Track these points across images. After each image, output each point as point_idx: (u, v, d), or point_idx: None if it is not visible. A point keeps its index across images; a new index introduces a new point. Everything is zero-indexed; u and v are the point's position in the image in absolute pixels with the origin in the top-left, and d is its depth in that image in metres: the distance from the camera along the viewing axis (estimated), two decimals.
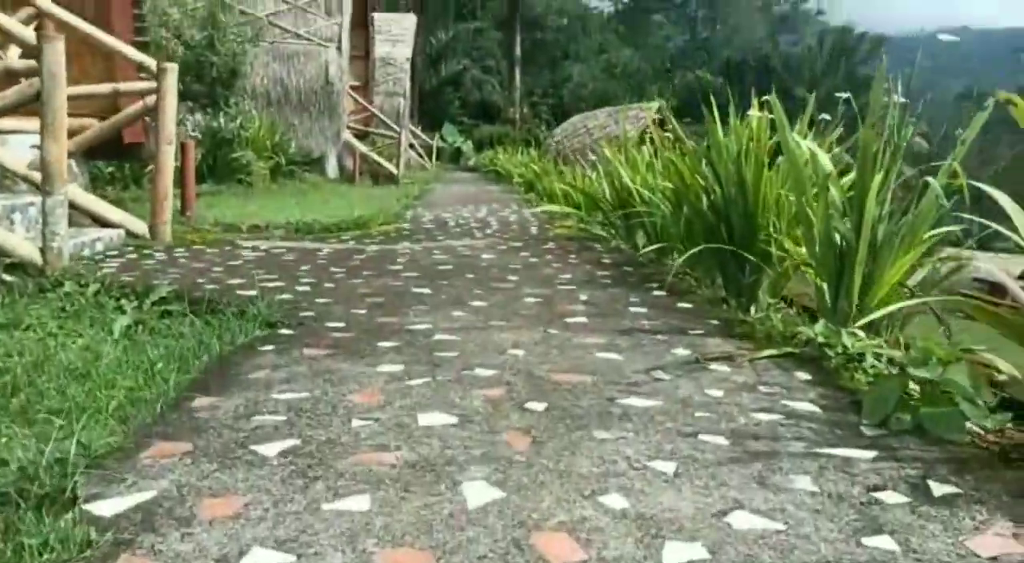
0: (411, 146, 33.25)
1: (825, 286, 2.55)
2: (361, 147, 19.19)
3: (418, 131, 37.17)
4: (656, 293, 3.50)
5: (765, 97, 4.10)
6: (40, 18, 4.73)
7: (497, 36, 50.49)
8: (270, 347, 2.39)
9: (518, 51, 50.34)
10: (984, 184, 2.28)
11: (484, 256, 4.70)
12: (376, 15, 30.78)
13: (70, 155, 4.82)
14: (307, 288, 3.46)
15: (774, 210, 3.29)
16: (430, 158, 34.14)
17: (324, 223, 7.09)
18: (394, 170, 19.38)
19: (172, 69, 4.71)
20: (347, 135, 18.36)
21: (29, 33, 4.01)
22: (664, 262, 4.56)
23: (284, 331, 2.62)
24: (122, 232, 4.78)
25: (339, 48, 16.48)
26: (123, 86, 4.92)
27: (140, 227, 4.86)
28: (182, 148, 6.98)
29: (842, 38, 51.25)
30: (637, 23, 61.97)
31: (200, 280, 3.60)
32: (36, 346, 2.71)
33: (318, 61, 16.37)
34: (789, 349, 2.35)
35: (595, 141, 33.83)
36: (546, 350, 2.38)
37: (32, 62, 3.59)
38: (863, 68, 52.16)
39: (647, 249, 4.26)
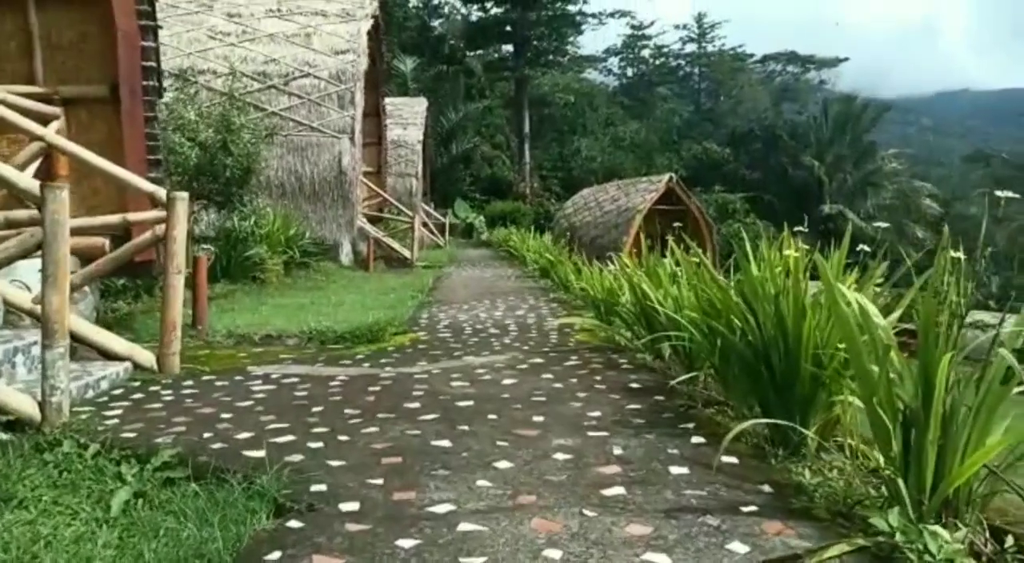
0: (424, 224, 33.59)
1: (892, 466, 2.29)
2: (375, 232, 19.27)
3: (431, 209, 37.61)
4: (695, 439, 3.24)
5: (798, 228, 3.94)
6: (49, 153, 4.70)
7: (506, 113, 51.61)
8: (276, 555, 2.14)
9: (527, 128, 51.35)
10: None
11: (506, 381, 4.47)
12: (388, 100, 31.55)
13: (75, 288, 4.70)
14: (319, 443, 3.23)
15: (820, 352, 3.05)
16: (443, 234, 34.41)
17: (337, 332, 6.92)
18: (408, 254, 19.41)
19: (182, 199, 4.62)
20: (361, 221, 18.46)
21: (30, 182, 3.93)
22: (695, 385, 4.31)
23: (293, 523, 2.37)
24: (129, 366, 4.61)
25: (352, 138, 16.71)
26: (132, 216, 4.83)
27: (147, 358, 4.69)
28: (194, 262, 6.90)
29: (846, 106, 51.96)
30: (642, 96, 63.36)
31: (207, 434, 3.37)
32: (24, 536, 2.49)
33: (331, 152, 16.59)
34: (861, 542, 2.08)
35: (605, 214, 33.98)
36: (585, 548, 2.12)
37: (34, 211, 3.48)
38: (868, 136, 52.79)
39: (678, 379, 4.00)
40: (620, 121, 55.99)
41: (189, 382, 4.53)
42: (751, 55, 65.35)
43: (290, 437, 3.31)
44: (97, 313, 6.43)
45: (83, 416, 3.71)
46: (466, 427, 3.42)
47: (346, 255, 17.50)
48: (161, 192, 4.72)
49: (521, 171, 49.82)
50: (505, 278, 13.98)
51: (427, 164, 37.89)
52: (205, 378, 4.67)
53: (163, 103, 13.20)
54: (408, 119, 33.41)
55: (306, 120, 16.61)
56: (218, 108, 11.94)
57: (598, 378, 4.56)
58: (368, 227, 19.04)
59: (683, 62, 65.41)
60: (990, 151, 60.81)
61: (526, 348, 5.78)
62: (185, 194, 4.68)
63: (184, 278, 4.70)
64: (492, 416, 3.62)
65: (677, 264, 5.22)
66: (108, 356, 4.64)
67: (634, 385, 4.35)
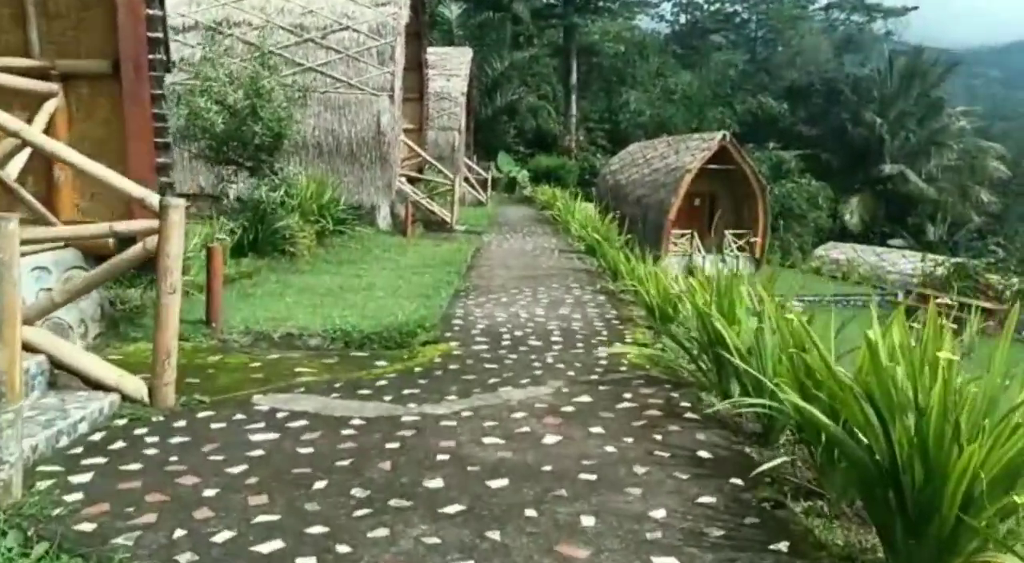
0: (466, 179, 32.77)
1: None
2: (414, 194, 18.57)
3: (473, 163, 36.70)
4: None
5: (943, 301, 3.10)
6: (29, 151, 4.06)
7: (553, 63, 49.89)
8: None
9: (574, 78, 49.62)
10: None
11: (548, 439, 3.76)
12: (431, 50, 30.45)
13: (55, 308, 4.11)
14: (311, 560, 2.58)
15: (977, 488, 2.27)
16: (485, 190, 33.56)
17: (363, 332, 6.31)
18: (447, 217, 18.70)
19: (176, 207, 3.95)
20: (400, 182, 17.76)
21: None
22: (776, 446, 3.57)
23: None
24: (116, 398, 4.03)
25: (391, 97, 15.90)
26: (120, 225, 4.19)
27: (138, 389, 4.09)
28: (209, 254, 6.30)
29: (913, 60, 48.96)
30: (695, 45, 60.64)
31: (178, 533, 2.74)
32: None
33: (370, 110, 15.81)
34: None
35: (653, 172, 32.69)
36: None
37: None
38: (936, 91, 49.81)
39: (762, 467, 3.23)
40: (671, 72, 53.74)
41: (182, 422, 3.93)
42: (813, 2, 61.82)
43: (278, 543, 2.67)
44: (102, 309, 5.88)
45: (44, 484, 3.12)
46: (497, 536, 2.73)
47: (383, 218, 16.87)
48: (153, 198, 4.05)
49: (567, 124, 48.34)
50: (548, 253, 13.19)
51: (470, 116, 36.86)
52: (201, 415, 4.07)
53: (189, 63, 12.55)
54: (452, 70, 32.25)
55: (344, 77, 15.82)
56: (248, 68, 11.23)
57: (658, 436, 3.82)
58: (407, 188, 18.33)
59: (739, 8, 62.22)
60: None
61: (571, 373, 5.06)
62: (181, 201, 4.01)
63: (179, 300, 4.06)
64: (531, 512, 2.93)
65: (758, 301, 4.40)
66: (94, 385, 4.06)
67: (703, 453, 3.60)
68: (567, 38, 50.08)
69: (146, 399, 4.10)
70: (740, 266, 29.78)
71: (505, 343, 5.96)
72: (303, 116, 13.79)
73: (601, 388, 4.70)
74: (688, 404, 4.38)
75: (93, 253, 5.50)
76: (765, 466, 3.11)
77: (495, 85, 45.16)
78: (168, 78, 14.83)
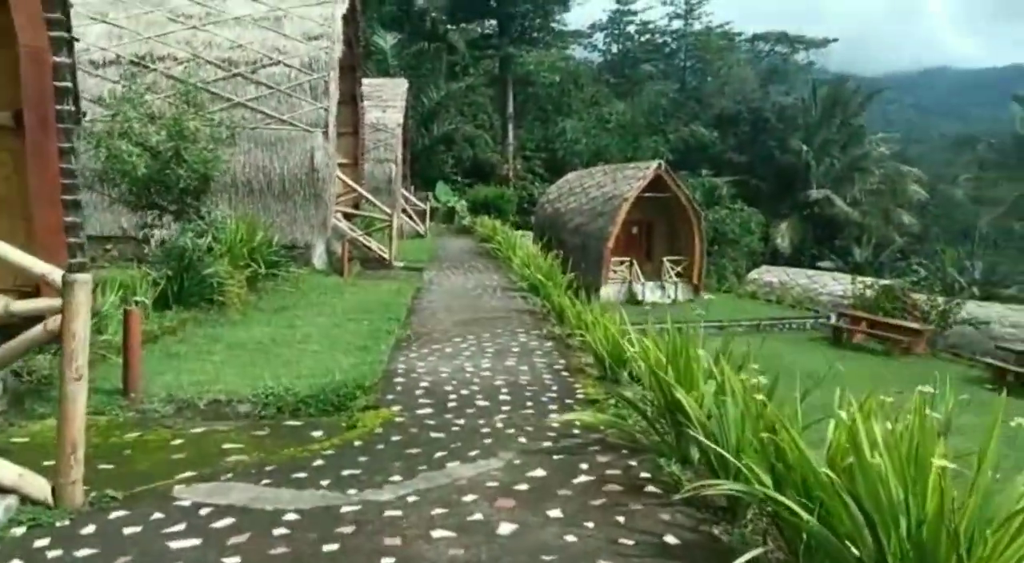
0: (404, 211, 32.36)
1: None
2: (350, 231, 18.12)
3: (411, 195, 36.31)
4: None
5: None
6: None
7: (489, 93, 50.10)
8: None
9: (511, 108, 49.93)
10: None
11: (502, 528, 3.45)
12: (366, 82, 30.11)
13: None
14: None
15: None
16: (424, 221, 33.20)
17: (297, 395, 5.91)
18: (385, 254, 18.29)
19: (83, 283, 3.54)
20: (336, 219, 17.30)
21: None
22: (744, 523, 3.35)
23: None
24: (13, 503, 3.55)
25: (325, 133, 15.51)
26: (17, 305, 3.75)
27: (40, 488, 3.63)
28: (126, 317, 5.80)
29: (835, 89, 51.00)
30: (627, 73, 61.86)
31: None
32: None
33: (303, 147, 15.38)
34: None
35: (591, 200, 32.94)
36: None
37: None
38: (857, 119, 51.91)
39: (742, 560, 2.99)
40: (605, 101, 54.64)
41: (90, 528, 3.48)
42: (739, 34, 64.02)
43: None
44: (4, 383, 5.33)
45: None
46: None
47: (319, 257, 16.37)
48: (56, 275, 3.62)
49: (504, 153, 48.51)
50: (490, 291, 12.92)
51: (406, 147, 36.55)
52: (114, 516, 3.62)
53: (109, 102, 11.94)
54: (387, 101, 32.01)
55: (275, 112, 15.37)
56: (172, 106, 10.72)
57: (620, 518, 3.56)
58: (343, 225, 17.88)
59: (669, 39, 63.96)
60: (976, 133, 60.34)
61: (522, 440, 4.77)
62: (87, 277, 3.59)
63: (86, 388, 3.62)
64: None
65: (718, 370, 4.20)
66: None
67: (670, 537, 3.36)
68: (503, 68, 50.47)
69: (50, 500, 3.63)
70: (679, 293, 30.25)
71: (451, 405, 5.63)
72: (232, 154, 13.30)
73: (555, 458, 4.42)
74: (648, 475, 4.15)
75: None
76: (740, 561, 2.87)
77: (432, 115, 45.06)
78: (87, 116, 14.07)
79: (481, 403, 5.67)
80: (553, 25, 54.33)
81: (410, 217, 32.41)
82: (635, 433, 4.50)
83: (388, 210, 18.78)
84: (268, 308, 10.77)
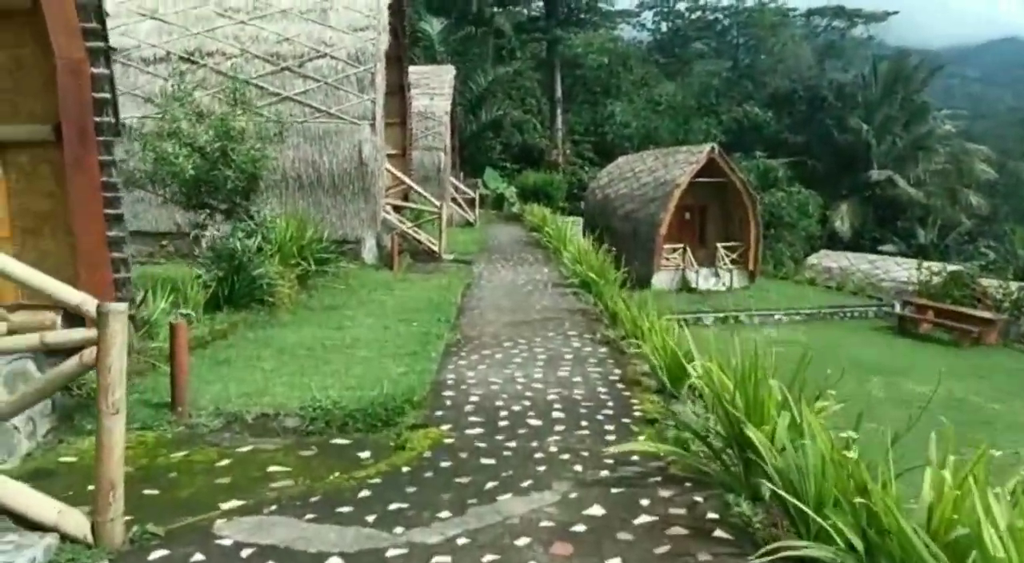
0: (453, 199, 32.22)
1: None
2: (399, 224, 18.01)
3: (460, 182, 36.16)
4: None
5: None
6: None
7: (537, 76, 49.50)
8: None
9: (559, 91, 49.27)
10: None
11: None
12: (413, 69, 29.95)
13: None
14: None
15: None
16: (472, 208, 33.02)
17: (345, 409, 5.74)
18: (435, 247, 18.14)
19: (117, 313, 3.38)
20: (385, 212, 17.20)
21: None
22: None
23: None
24: (53, 542, 3.43)
25: (373, 125, 15.36)
26: (51, 336, 3.61)
27: (79, 526, 3.50)
28: (172, 333, 5.69)
29: (897, 64, 48.88)
30: (677, 53, 60.43)
31: None
32: None
33: (351, 140, 15.28)
34: None
35: (642, 186, 32.33)
36: None
37: None
38: (919, 95, 49.74)
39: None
40: (655, 82, 53.50)
41: None
42: (793, 9, 61.79)
43: None
44: (53, 399, 5.27)
45: None
46: None
47: (369, 251, 16.30)
48: (90, 305, 3.48)
49: (553, 137, 47.94)
50: (541, 288, 12.61)
51: (455, 134, 36.34)
52: (152, 557, 3.47)
53: (157, 102, 11.96)
54: (435, 89, 31.80)
55: (323, 105, 15.28)
56: (221, 104, 10.65)
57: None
58: (393, 218, 17.77)
59: (720, 15, 62.15)
60: None
61: (578, 468, 4.49)
62: (122, 306, 3.43)
63: (123, 422, 3.48)
64: None
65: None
66: (29, 525, 3.47)
67: None
68: (550, 51, 49.81)
69: (90, 538, 3.50)
70: (734, 280, 29.50)
71: (502, 424, 5.38)
72: (280, 150, 13.25)
73: (614, 492, 4.13)
74: (715, 515, 3.83)
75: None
76: None
77: (479, 101, 44.74)
78: (137, 113, 14.14)
79: (533, 422, 5.41)
80: (601, 5, 53.35)
81: (459, 205, 32.26)
82: (699, 465, 4.18)
83: (437, 202, 18.60)
84: (318, 306, 10.70)
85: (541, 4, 51.41)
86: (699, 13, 62.54)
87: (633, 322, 7.62)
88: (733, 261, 29.48)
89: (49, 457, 4.94)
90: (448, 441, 5.02)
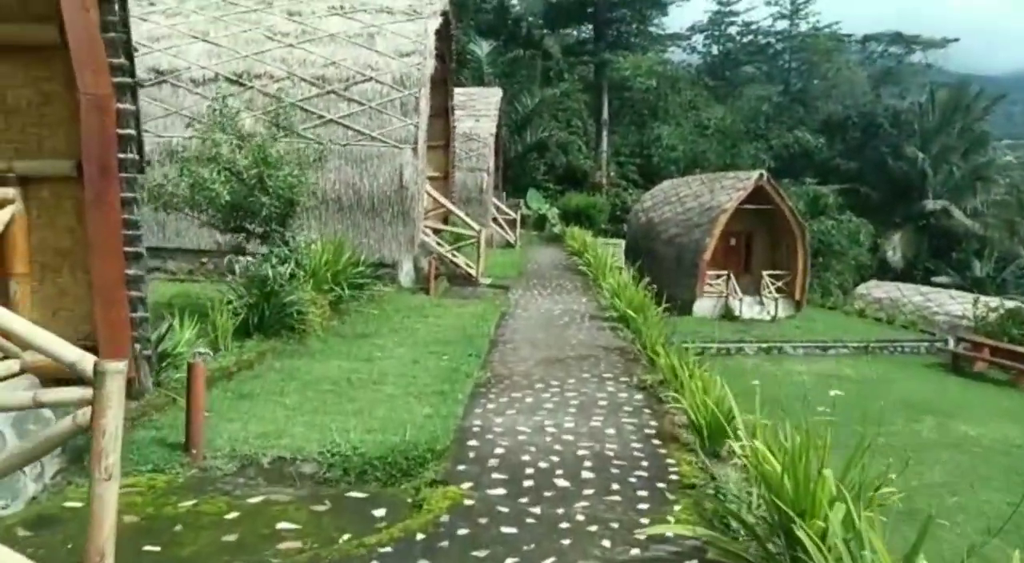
0: (494, 220, 32.09)
1: None
2: (438, 246, 17.87)
3: (502, 201, 36.04)
4: None
5: None
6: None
7: (583, 98, 49.36)
8: None
9: (605, 113, 49.02)
10: None
11: None
12: (459, 90, 30.00)
13: None
14: None
15: None
16: (514, 229, 32.83)
17: (364, 456, 5.49)
18: (472, 271, 17.95)
19: (114, 373, 3.18)
20: (424, 234, 17.08)
21: None
22: None
23: None
24: None
25: (415, 149, 15.28)
26: (45, 394, 3.44)
27: None
28: (189, 373, 5.53)
29: (956, 91, 47.47)
30: (727, 76, 59.69)
31: None
32: None
33: (392, 164, 15.22)
34: None
35: (686, 211, 31.75)
36: None
37: None
38: (979, 124, 48.19)
39: None
40: (704, 105, 52.89)
41: None
42: (849, 35, 60.63)
43: None
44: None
45: None
46: None
47: (406, 275, 16.18)
48: (87, 363, 3.29)
49: (598, 159, 47.65)
50: (578, 321, 12.28)
51: (499, 155, 36.30)
52: None
53: (196, 126, 12.00)
54: (481, 110, 31.80)
55: (366, 129, 15.26)
56: (265, 127, 10.63)
57: None
58: (431, 240, 17.64)
59: (773, 40, 61.30)
60: None
61: (606, 543, 4.14)
62: (120, 365, 3.23)
63: (116, 489, 3.27)
64: None
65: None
66: None
67: None
68: (598, 73, 49.65)
69: None
70: (779, 309, 28.68)
71: (527, 483, 5.06)
72: (320, 175, 13.23)
73: None
74: None
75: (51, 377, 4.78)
76: None
77: (525, 122, 44.73)
78: (185, 133, 14.24)
79: (561, 483, 5.08)
80: (651, 29, 53.07)
81: (500, 226, 32.11)
82: (741, 552, 3.80)
83: (476, 226, 18.40)
84: (350, 333, 10.54)
85: (591, 27, 51.36)
86: (751, 37, 61.84)
87: (672, 370, 7.24)
88: (779, 289, 28.72)
89: (55, 501, 4.79)
90: (468, 502, 4.72)
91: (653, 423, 6.45)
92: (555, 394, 7.45)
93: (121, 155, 4.80)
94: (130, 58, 4.80)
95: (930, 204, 44.59)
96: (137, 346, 5.07)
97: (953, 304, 32.81)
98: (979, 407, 18.05)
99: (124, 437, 5.40)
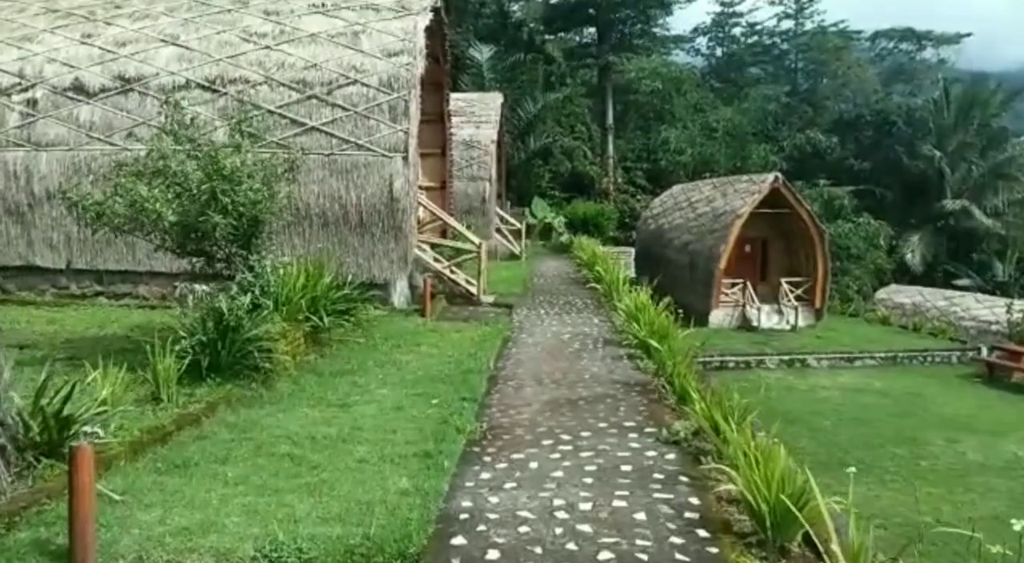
0: (498, 230, 30.68)
1: None
2: (434, 263, 16.46)
3: (506, 212, 34.61)
4: None
5: None
6: None
7: (587, 102, 47.92)
8: None
9: (610, 118, 47.58)
10: None
11: None
12: (459, 96, 28.66)
13: None
14: None
15: None
16: (519, 239, 31.39)
17: (312, 560, 4.06)
18: (473, 289, 16.51)
19: None
20: (418, 250, 15.68)
21: None
22: None
23: None
24: None
25: (405, 158, 13.89)
26: None
27: None
28: (71, 461, 4.09)
29: (973, 88, 45.81)
30: (732, 77, 58.12)
31: None
32: None
33: (381, 173, 13.84)
34: None
35: (699, 217, 30.17)
36: None
37: None
38: (997, 120, 46.53)
39: None
40: (710, 107, 51.35)
41: None
42: (858, 33, 59.03)
43: None
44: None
45: None
46: None
47: (400, 295, 14.76)
48: None
49: (604, 165, 46.17)
50: (591, 347, 10.82)
51: (502, 162, 34.89)
52: None
53: (144, 138, 10.66)
54: (481, 117, 30.43)
55: (352, 136, 13.90)
56: (234, 137, 9.22)
57: None
58: (426, 256, 16.22)
59: (778, 40, 59.78)
60: None
61: None
62: None
63: None
64: None
65: None
66: None
67: None
68: (602, 77, 48.29)
69: None
70: (799, 318, 27.10)
71: None
72: (302, 184, 11.85)
73: None
74: None
75: None
76: None
77: (528, 128, 43.32)
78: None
79: None
80: (655, 31, 51.68)
81: (504, 236, 30.71)
82: None
83: (476, 239, 16.94)
84: (327, 370, 9.13)
85: (593, 30, 50.03)
86: (755, 38, 60.36)
87: (710, 418, 5.78)
88: (798, 297, 27.15)
89: None
90: None
91: (694, 501, 4.98)
92: (566, 453, 5.99)
93: None
94: None
95: (948, 204, 42.92)
96: None
97: (980, 308, 31.19)
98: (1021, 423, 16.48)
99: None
